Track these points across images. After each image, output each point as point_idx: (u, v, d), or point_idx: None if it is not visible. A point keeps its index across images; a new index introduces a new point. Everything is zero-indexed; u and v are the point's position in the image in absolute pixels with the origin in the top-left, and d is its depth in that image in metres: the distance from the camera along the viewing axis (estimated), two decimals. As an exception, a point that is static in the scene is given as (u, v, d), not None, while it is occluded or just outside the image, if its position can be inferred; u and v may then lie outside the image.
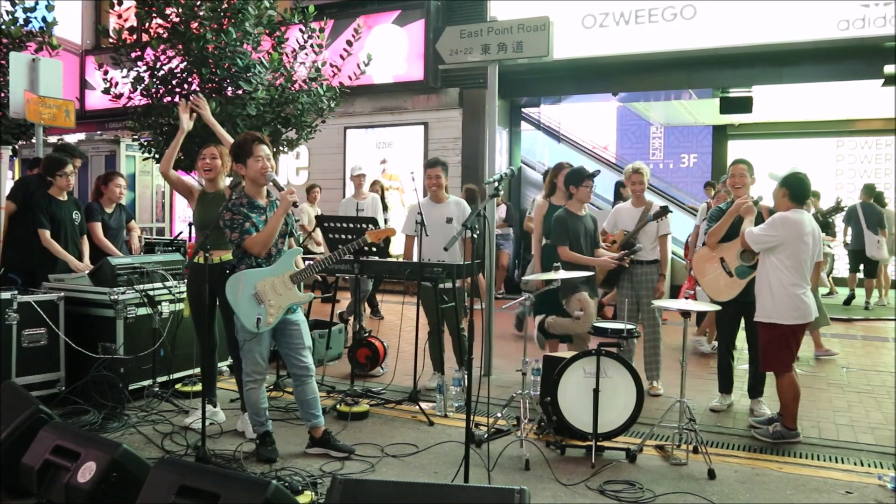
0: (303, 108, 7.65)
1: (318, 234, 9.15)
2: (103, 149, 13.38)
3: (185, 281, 5.50)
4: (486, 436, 4.73)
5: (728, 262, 5.39)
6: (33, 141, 7.59)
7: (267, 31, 7.58)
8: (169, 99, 7.44)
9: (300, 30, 7.71)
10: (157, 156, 7.68)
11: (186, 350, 5.83)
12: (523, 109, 14.18)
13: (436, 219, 6.01)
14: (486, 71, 6.84)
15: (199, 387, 5.49)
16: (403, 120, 12.96)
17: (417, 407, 5.51)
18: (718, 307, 5.18)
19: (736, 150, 15.51)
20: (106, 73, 7.52)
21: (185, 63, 7.34)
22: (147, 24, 7.42)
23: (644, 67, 11.36)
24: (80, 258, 6.14)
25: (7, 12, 8.60)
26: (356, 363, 6.40)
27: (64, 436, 3.66)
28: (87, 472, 3.39)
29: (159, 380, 5.72)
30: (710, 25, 10.59)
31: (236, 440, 4.82)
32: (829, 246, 7.56)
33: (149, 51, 7.47)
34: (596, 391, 4.55)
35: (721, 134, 16.14)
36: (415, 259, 6.11)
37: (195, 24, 7.17)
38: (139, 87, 7.47)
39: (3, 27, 8.51)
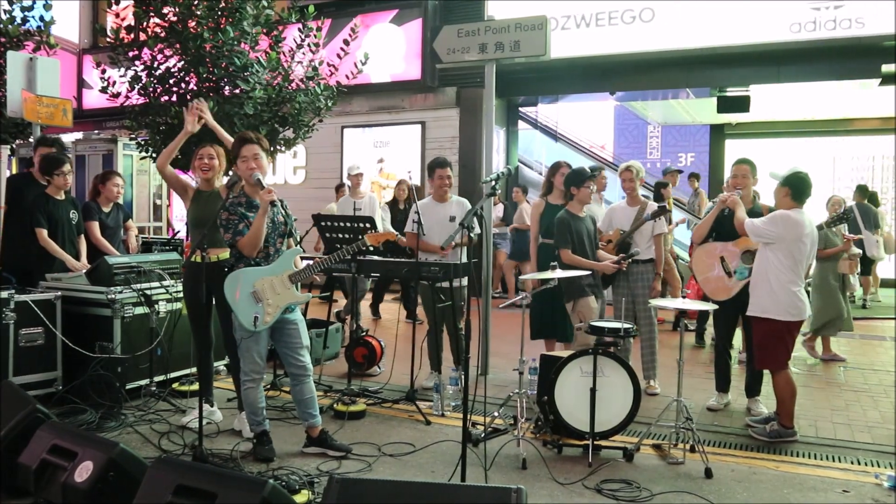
0: (300, 108, 7.64)
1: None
2: (101, 148, 13.35)
3: (182, 280, 5.49)
4: (483, 435, 4.74)
5: (728, 262, 5.41)
6: (31, 140, 7.57)
7: (264, 31, 7.57)
8: (166, 98, 7.42)
9: (298, 29, 7.70)
10: (154, 155, 7.66)
11: (183, 349, 5.83)
12: (520, 109, 14.19)
13: (439, 218, 6.00)
14: (483, 70, 6.85)
15: (196, 386, 5.49)
16: (401, 119, 12.96)
17: (414, 406, 5.52)
18: (716, 306, 5.20)
19: (733, 149, 15.53)
20: (103, 72, 7.51)
21: (182, 62, 7.33)
22: (144, 24, 7.40)
23: (641, 66, 11.36)
24: (77, 257, 6.13)
25: (5, 11, 8.58)
26: (353, 362, 6.41)
27: (61, 435, 3.65)
28: (84, 471, 3.39)
29: (156, 379, 5.72)
30: (706, 25, 10.60)
31: (233, 439, 4.82)
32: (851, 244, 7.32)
33: (146, 50, 7.46)
34: (593, 390, 4.55)
35: (718, 133, 16.15)
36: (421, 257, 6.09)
37: (193, 24, 7.16)
38: (137, 87, 7.45)
39: (1, 26, 8.48)
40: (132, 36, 7.52)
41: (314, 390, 4.61)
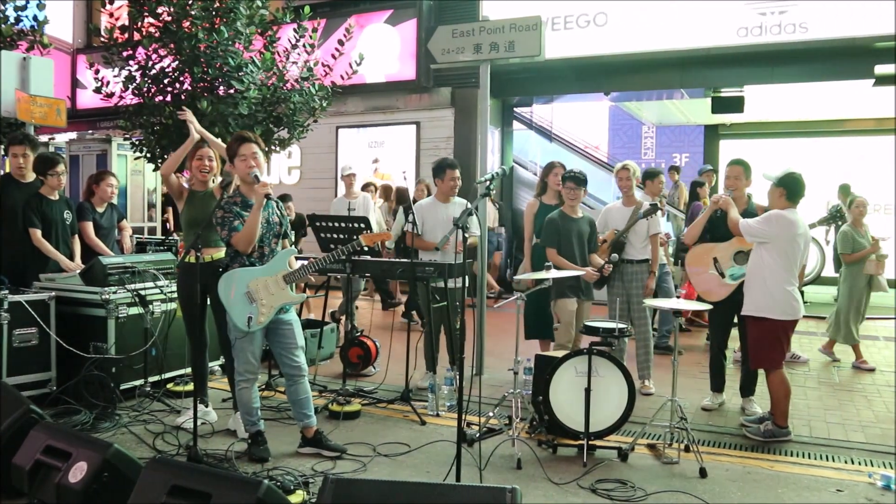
0: (295, 108, 7.64)
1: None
2: (95, 148, 13.33)
3: (176, 280, 5.48)
4: (478, 435, 4.74)
5: (721, 263, 5.42)
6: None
7: (259, 31, 7.56)
8: (161, 98, 7.41)
9: (293, 29, 7.70)
10: (148, 155, 7.65)
11: (178, 350, 5.82)
12: (515, 109, 14.20)
13: (442, 218, 6.00)
14: (478, 70, 6.85)
15: (190, 386, 5.48)
16: (395, 119, 12.95)
17: (409, 406, 5.52)
18: (710, 306, 5.21)
19: (728, 149, 15.56)
20: (97, 71, 7.49)
21: (176, 62, 7.32)
22: (139, 23, 7.39)
23: (636, 67, 11.38)
24: (71, 258, 6.11)
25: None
26: (348, 362, 6.40)
27: (55, 436, 3.64)
28: (78, 472, 3.38)
29: (151, 379, 5.70)
30: (702, 25, 10.63)
31: (228, 440, 4.81)
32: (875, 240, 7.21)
33: (140, 50, 7.45)
34: (588, 390, 4.56)
35: (713, 133, 16.18)
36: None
37: (187, 24, 7.15)
38: (131, 86, 7.44)
39: (-6, 26, 8.46)
40: (126, 35, 7.52)
41: (309, 390, 4.61)
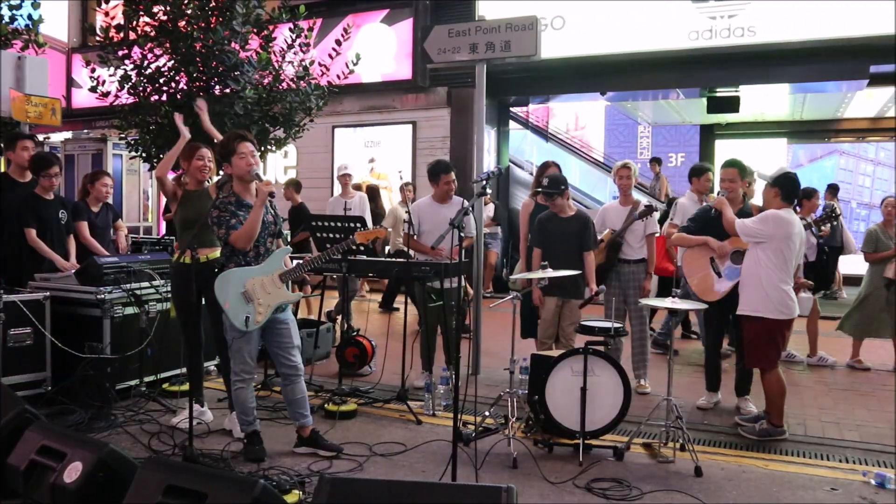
0: (291, 107, 7.63)
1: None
2: (90, 147, 13.31)
3: (171, 280, 5.47)
4: (473, 434, 4.74)
5: (718, 263, 5.43)
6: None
7: (255, 30, 7.55)
8: (156, 97, 7.40)
9: (289, 28, 7.69)
10: (143, 154, 7.64)
11: (173, 349, 5.81)
12: (511, 108, 14.21)
13: (440, 219, 5.98)
14: (474, 70, 6.85)
15: (186, 386, 5.47)
16: (392, 119, 12.95)
17: (405, 406, 5.52)
18: (706, 306, 5.22)
19: (723, 149, 15.60)
20: (93, 71, 7.47)
21: (172, 61, 7.30)
22: (134, 23, 7.37)
23: (632, 67, 11.40)
24: (66, 257, 6.10)
25: (-8, 10, 8.53)
26: (344, 362, 6.40)
27: (50, 436, 3.63)
28: (73, 472, 3.37)
29: (146, 379, 5.70)
30: (698, 25, 10.66)
31: (224, 439, 4.81)
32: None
33: (136, 49, 7.43)
34: (583, 389, 4.56)
35: (708, 133, 16.22)
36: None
37: (183, 23, 7.13)
38: (126, 86, 7.42)
39: (-11, 25, 8.44)
40: (122, 35, 7.50)
41: (305, 390, 4.60)
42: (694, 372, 6.83)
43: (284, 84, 7.66)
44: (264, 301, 4.34)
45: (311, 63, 7.87)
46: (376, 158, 13.17)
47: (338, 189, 10.20)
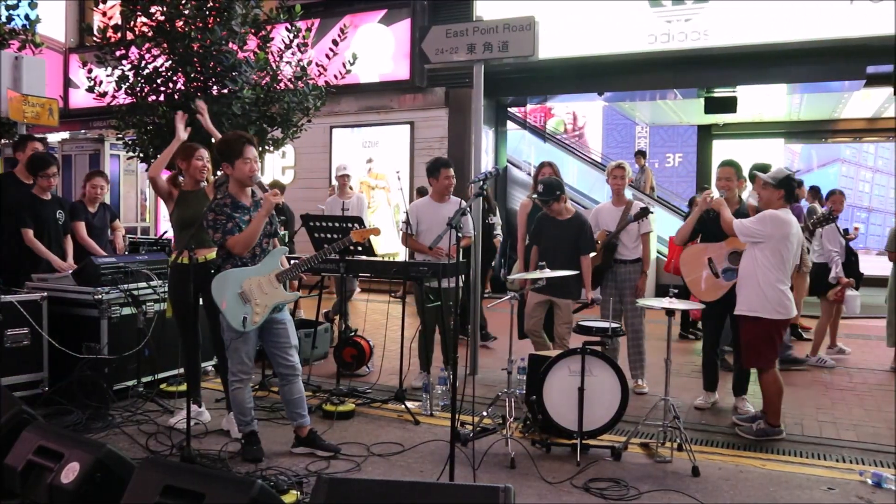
0: (288, 108, 7.63)
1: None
2: (87, 147, 13.29)
3: (168, 280, 5.46)
4: (471, 434, 4.74)
5: (715, 263, 5.43)
6: (15, 139, 7.52)
7: (252, 31, 7.54)
8: (154, 98, 7.39)
9: (286, 28, 7.68)
10: (141, 154, 7.63)
11: (171, 350, 5.81)
12: (509, 109, 14.20)
13: (440, 218, 5.98)
14: (471, 70, 6.85)
15: (183, 386, 5.47)
16: (389, 119, 12.95)
17: (403, 406, 5.52)
18: (703, 306, 5.23)
19: (721, 149, 15.62)
20: (90, 71, 7.46)
21: (170, 62, 7.29)
22: (132, 23, 7.36)
23: (630, 67, 11.41)
24: (63, 258, 6.10)
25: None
26: (342, 362, 6.40)
27: (47, 436, 3.63)
28: (70, 472, 3.37)
29: (144, 380, 5.70)
30: (696, 25, 10.67)
31: (221, 440, 4.81)
32: None
33: (133, 49, 7.42)
34: (581, 390, 4.57)
35: (706, 133, 16.25)
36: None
37: (180, 23, 7.13)
38: (124, 86, 7.41)
39: (-14, 25, 8.43)
40: (119, 35, 7.48)
41: (303, 390, 4.60)
42: (691, 372, 6.84)
43: (282, 84, 7.66)
44: (261, 301, 4.34)
45: (309, 63, 7.87)
46: (374, 159, 13.17)
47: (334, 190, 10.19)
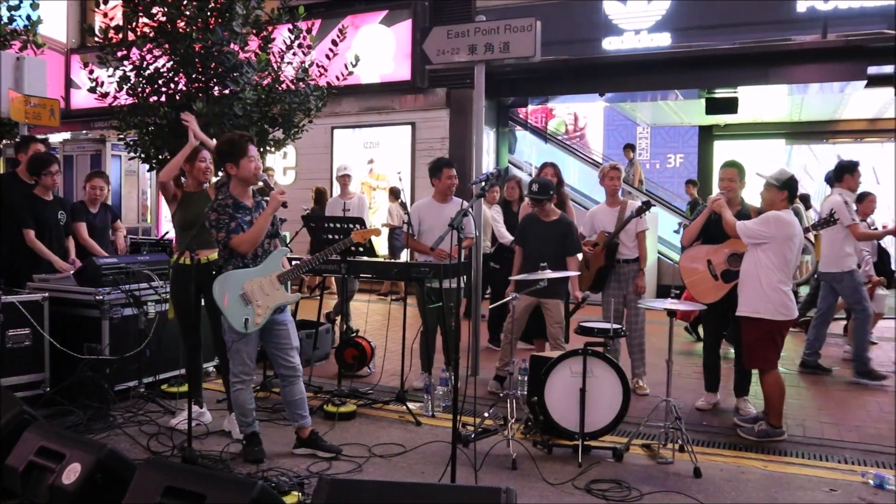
0: (290, 108, 7.63)
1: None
2: (89, 148, 13.32)
3: (170, 281, 5.46)
4: (473, 436, 4.74)
5: (715, 265, 5.43)
6: (17, 140, 7.53)
7: (254, 31, 7.54)
8: (155, 98, 7.39)
9: (288, 30, 7.68)
10: (142, 155, 7.63)
11: (172, 350, 5.81)
12: (510, 109, 14.21)
13: (442, 219, 5.98)
14: (473, 71, 6.85)
15: (184, 387, 5.47)
16: (390, 120, 12.95)
17: (405, 407, 5.51)
18: (704, 307, 5.22)
19: (722, 150, 15.61)
20: (91, 72, 7.46)
21: (171, 62, 7.29)
22: (133, 23, 7.36)
23: (630, 68, 11.40)
24: (65, 258, 6.10)
25: (-9, 10, 8.54)
26: (343, 363, 6.40)
27: (48, 437, 3.63)
28: (71, 473, 3.37)
29: (145, 380, 5.69)
30: (696, 26, 10.68)
31: (223, 441, 4.81)
32: None
33: (135, 50, 7.42)
34: (582, 391, 4.56)
35: (707, 134, 16.24)
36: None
37: (182, 24, 7.13)
38: (125, 87, 7.41)
39: (-12, 25, 8.44)
40: (121, 36, 7.48)
41: (304, 391, 4.60)
42: (693, 373, 6.83)
43: (284, 85, 7.66)
44: (263, 303, 4.34)
45: (311, 64, 7.87)
46: (375, 159, 13.18)
47: (336, 190, 10.19)
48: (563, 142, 16.83)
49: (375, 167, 13.16)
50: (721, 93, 12.29)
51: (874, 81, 10.68)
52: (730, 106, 12.28)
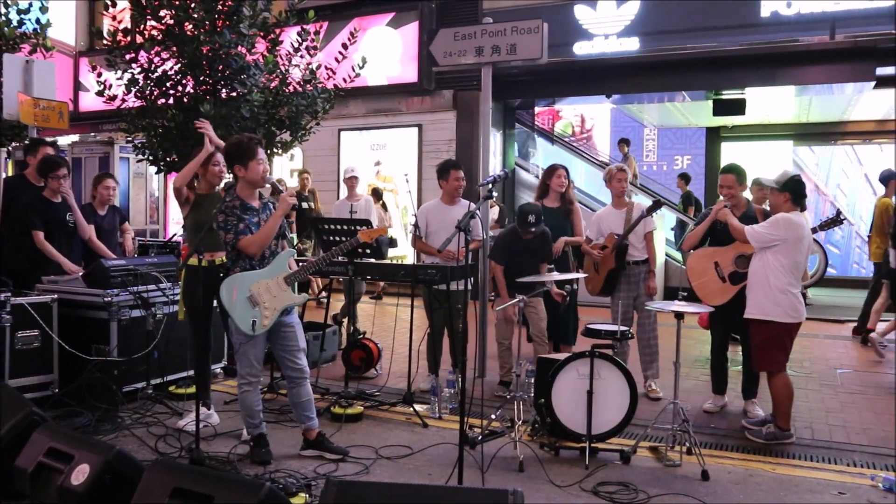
0: (297, 111, 7.64)
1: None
2: (97, 150, 13.38)
3: (181, 283, 5.48)
4: (480, 437, 4.74)
5: (722, 267, 5.41)
6: (26, 142, 7.56)
7: (261, 34, 7.56)
8: (163, 101, 7.42)
9: (297, 33, 7.70)
10: (150, 157, 7.66)
11: (180, 352, 5.82)
12: (517, 111, 14.19)
13: (449, 221, 5.97)
14: (479, 73, 6.86)
15: (192, 389, 5.48)
16: (397, 122, 12.96)
17: (411, 409, 5.52)
18: (712, 309, 5.21)
19: (729, 151, 15.55)
20: (100, 74, 7.50)
21: (179, 65, 7.32)
22: (141, 26, 7.39)
23: (637, 69, 11.39)
24: (74, 261, 6.11)
25: (1, 14, 8.58)
26: (350, 365, 6.40)
27: (57, 438, 3.64)
28: (80, 474, 3.38)
29: (153, 382, 5.71)
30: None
31: (230, 442, 4.82)
32: None
33: (143, 52, 7.45)
34: (590, 393, 4.56)
35: (714, 136, 16.18)
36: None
37: (189, 26, 7.15)
38: (133, 89, 7.44)
39: (-3, 29, 8.48)
40: (129, 38, 7.51)
41: (311, 393, 4.61)
42: (700, 375, 6.81)
43: (291, 87, 7.68)
44: (270, 304, 4.35)
45: (318, 67, 7.89)
46: (382, 161, 13.18)
47: (343, 192, 10.21)
48: (570, 143, 16.81)
49: (382, 169, 13.17)
50: (728, 94, 12.26)
51: (882, 82, 10.64)
52: (737, 107, 12.24)
